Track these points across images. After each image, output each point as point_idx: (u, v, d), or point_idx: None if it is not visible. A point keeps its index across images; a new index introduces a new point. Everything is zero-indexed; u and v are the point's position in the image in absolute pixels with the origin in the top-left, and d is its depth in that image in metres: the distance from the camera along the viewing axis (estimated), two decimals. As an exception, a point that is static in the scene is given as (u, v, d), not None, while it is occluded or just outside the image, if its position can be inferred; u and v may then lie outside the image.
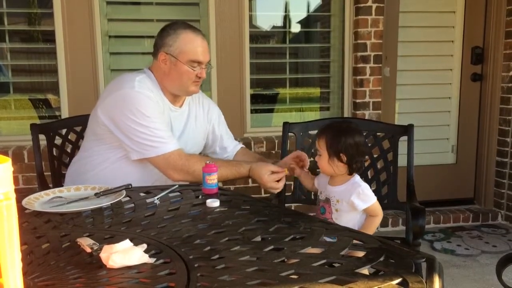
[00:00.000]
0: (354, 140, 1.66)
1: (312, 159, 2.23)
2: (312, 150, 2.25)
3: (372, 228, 1.68)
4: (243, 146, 2.18)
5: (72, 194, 1.60)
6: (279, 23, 3.58)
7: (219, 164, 1.70)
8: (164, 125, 1.80)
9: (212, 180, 1.57)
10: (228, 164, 1.85)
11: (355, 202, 1.65)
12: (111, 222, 1.33)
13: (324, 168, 1.71)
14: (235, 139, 2.21)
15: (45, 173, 2.17)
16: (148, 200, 1.51)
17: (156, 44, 1.87)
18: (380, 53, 3.32)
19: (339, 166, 1.67)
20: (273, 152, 3.17)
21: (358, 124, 2.39)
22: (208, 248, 1.10)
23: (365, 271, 0.99)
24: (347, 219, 1.69)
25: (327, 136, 1.67)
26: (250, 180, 3.19)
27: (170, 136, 1.81)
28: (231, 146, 2.12)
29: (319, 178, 1.84)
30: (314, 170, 2.20)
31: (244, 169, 1.83)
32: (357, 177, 1.71)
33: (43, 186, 2.06)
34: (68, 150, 2.28)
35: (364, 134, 2.24)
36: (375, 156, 2.22)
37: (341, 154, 1.65)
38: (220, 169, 1.70)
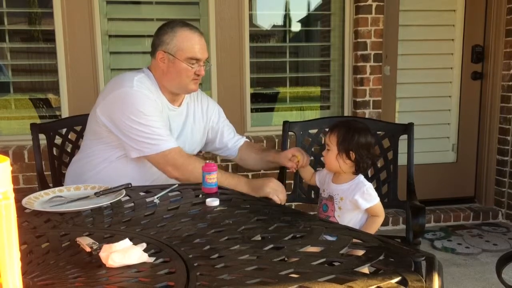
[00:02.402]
0: (366, 140, 1.67)
1: (312, 158, 2.24)
2: (312, 149, 2.25)
3: (374, 228, 1.68)
4: (247, 140, 2.17)
5: (72, 194, 1.60)
6: (279, 22, 3.57)
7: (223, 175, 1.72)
8: (163, 123, 1.80)
9: (212, 179, 1.57)
10: (229, 176, 1.82)
11: (358, 201, 1.66)
12: (111, 222, 1.33)
13: (331, 164, 1.71)
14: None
15: (45, 173, 2.17)
16: (148, 200, 1.51)
17: (153, 43, 1.87)
18: (380, 51, 3.32)
19: (346, 164, 1.68)
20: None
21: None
22: (208, 247, 1.10)
23: (364, 269, 0.99)
24: (350, 217, 1.69)
25: (340, 132, 1.68)
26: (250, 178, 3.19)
27: (169, 134, 1.81)
28: (232, 141, 2.11)
29: (320, 175, 1.84)
30: (314, 168, 2.20)
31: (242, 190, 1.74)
32: (361, 177, 1.71)
33: (43, 185, 2.06)
34: (68, 149, 2.28)
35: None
36: (375, 155, 2.22)
37: (350, 152, 1.65)
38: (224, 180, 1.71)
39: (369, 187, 1.67)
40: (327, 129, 2.22)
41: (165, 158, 1.76)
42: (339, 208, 1.71)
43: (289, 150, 1.95)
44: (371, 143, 1.68)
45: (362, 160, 1.66)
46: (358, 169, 1.69)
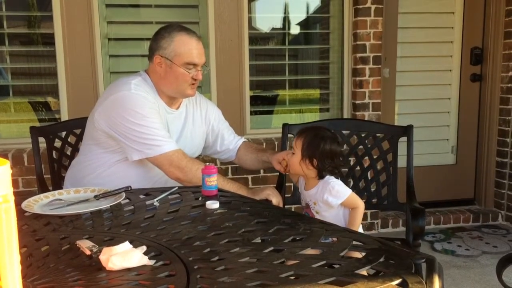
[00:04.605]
0: (331, 148, 1.67)
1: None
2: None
3: (357, 221, 1.68)
4: (245, 140, 2.17)
5: (72, 197, 1.60)
6: (279, 24, 3.58)
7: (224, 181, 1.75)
8: (162, 125, 1.80)
9: (212, 182, 1.57)
10: (229, 181, 1.84)
11: (329, 200, 1.66)
12: (111, 224, 1.33)
13: (295, 168, 1.73)
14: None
15: (44, 176, 2.17)
16: (148, 202, 1.51)
17: (151, 47, 1.87)
18: (380, 54, 3.33)
19: (310, 170, 1.69)
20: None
21: (358, 125, 2.40)
22: (208, 249, 1.10)
23: (364, 272, 0.99)
24: (330, 217, 1.68)
25: (305, 138, 1.69)
26: (250, 182, 3.19)
27: (169, 136, 1.81)
28: (232, 143, 2.11)
29: (300, 180, 1.85)
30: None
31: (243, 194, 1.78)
32: (327, 176, 1.71)
33: (43, 188, 2.06)
34: (68, 152, 2.28)
35: (363, 135, 2.26)
36: (374, 157, 2.22)
37: (314, 159, 1.67)
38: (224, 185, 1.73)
39: (335, 184, 1.67)
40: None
41: (168, 159, 1.76)
42: (317, 213, 1.72)
43: (280, 153, 1.93)
44: (336, 152, 1.69)
45: (324, 168, 1.67)
46: (322, 176, 1.69)
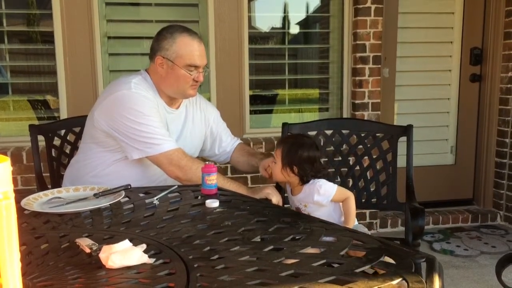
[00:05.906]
0: (309, 155, 1.70)
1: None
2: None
3: (351, 210, 1.69)
4: (241, 141, 2.18)
5: (71, 195, 1.60)
6: (278, 24, 3.58)
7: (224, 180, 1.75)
8: (162, 124, 1.80)
9: (211, 180, 1.57)
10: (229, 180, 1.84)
11: (319, 200, 1.69)
12: (110, 223, 1.33)
13: (277, 176, 1.77)
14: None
15: (44, 174, 2.16)
16: (147, 201, 1.51)
17: (152, 47, 1.87)
18: (379, 54, 3.32)
19: (291, 177, 1.73)
20: (272, 153, 3.16)
21: (357, 125, 2.40)
22: (208, 248, 1.10)
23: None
24: (322, 216, 1.68)
25: (284, 147, 1.73)
26: (249, 181, 3.19)
27: (169, 135, 1.81)
28: (229, 146, 2.13)
29: (287, 186, 1.86)
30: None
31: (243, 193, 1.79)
32: (311, 180, 1.73)
33: (42, 187, 2.06)
34: (67, 151, 2.28)
35: (363, 135, 2.26)
36: (374, 156, 2.22)
37: (294, 166, 1.70)
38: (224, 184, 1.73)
39: (322, 183, 1.70)
40: (327, 131, 2.22)
41: (168, 158, 1.75)
42: (309, 214, 1.73)
43: (266, 160, 1.95)
44: (315, 158, 1.71)
45: (306, 174, 1.70)
46: (304, 182, 1.72)
